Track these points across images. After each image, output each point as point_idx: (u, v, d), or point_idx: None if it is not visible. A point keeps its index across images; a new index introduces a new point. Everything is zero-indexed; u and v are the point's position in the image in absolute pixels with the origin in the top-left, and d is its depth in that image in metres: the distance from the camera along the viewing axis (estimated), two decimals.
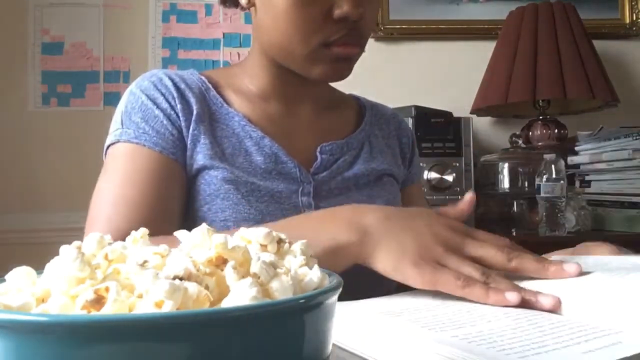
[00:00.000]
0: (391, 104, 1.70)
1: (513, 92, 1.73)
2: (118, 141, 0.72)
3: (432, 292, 0.60)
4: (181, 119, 0.74)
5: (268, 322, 0.25)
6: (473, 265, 0.52)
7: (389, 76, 1.99)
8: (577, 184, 1.71)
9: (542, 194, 1.49)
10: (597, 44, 1.84)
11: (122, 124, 0.74)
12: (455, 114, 1.72)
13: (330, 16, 0.69)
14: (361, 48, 0.75)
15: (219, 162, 0.73)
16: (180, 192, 0.73)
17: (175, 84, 0.76)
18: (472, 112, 1.88)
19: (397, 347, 0.41)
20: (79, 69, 1.92)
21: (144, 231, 0.34)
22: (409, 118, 1.65)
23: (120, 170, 0.70)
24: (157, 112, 0.73)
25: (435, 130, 1.65)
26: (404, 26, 2.00)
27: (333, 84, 0.86)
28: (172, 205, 0.71)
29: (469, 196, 0.62)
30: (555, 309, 0.46)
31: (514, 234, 1.66)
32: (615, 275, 0.50)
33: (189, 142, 0.73)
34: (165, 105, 0.74)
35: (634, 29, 2.05)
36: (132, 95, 0.75)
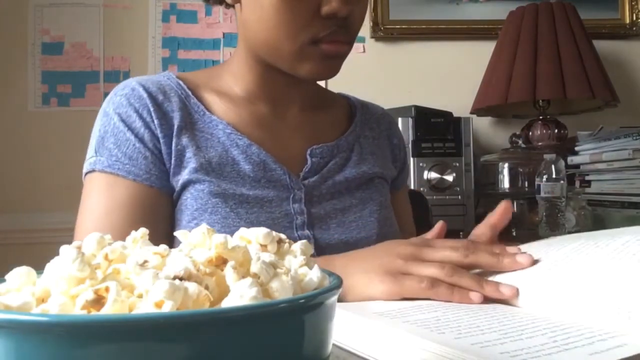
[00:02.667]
0: (391, 104, 1.71)
1: (513, 92, 1.73)
2: (93, 170, 0.72)
3: None
4: (159, 135, 0.71)
5: (268, 322, 0.25)
6: (436, 265, 0.54)
7: (389, 76, 1.99)
8: (577, 184, 1.71)
9: (542, 194, 1.49)
10: (597, 44, 1.84)
11: (95, 152, 0.72)
12: (455, 114, 1.72)
13: (319, 13, 0.67)
14: (350, 45, 0.72)
15: (205, 174, 0.71)
16: (160, 217, 0.71)
17: (151, 95, 0.72)
18: (472, 112, 1.88)
19: (397, 347, 0.41)
20: (79, 69, 1.92)
21: (143, 231, 0.34)
22: (409, 118, 1.65)
23: (97, 204, 0.70)
24: (129, 134, 0.71)
25: (435, 130, 1.65)
26: (404, 26, 2.00)
27: (325, 85, 0.85)
28: (151, 234, 0.70)
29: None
30: (512, 298, 0.51)
31: (514, 234, 1.66)
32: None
33: (173, 158, 0.71)
34: (138, 124, 0.71)
35: (634, 29, 2.05)
36: (106, 116, 0.73)
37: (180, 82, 0.76)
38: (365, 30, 1.99)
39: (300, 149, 0.78)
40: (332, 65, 0.72)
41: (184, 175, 0.71)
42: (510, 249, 0.56)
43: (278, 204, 0.73)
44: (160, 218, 0.71)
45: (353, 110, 0.88)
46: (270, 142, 0.76)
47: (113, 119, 0.72)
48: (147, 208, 0.70)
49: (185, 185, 0.71)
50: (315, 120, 0.82)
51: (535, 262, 0.53)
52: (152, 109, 0.71)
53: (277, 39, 0.69)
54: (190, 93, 0.75)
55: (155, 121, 0.71)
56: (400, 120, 1.64)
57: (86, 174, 0.74)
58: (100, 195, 0.70)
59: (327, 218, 0.76)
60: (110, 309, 0.24)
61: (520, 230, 1.65)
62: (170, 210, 0.73)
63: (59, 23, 1.92)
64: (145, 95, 0.72)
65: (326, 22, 0.68)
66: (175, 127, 0.72)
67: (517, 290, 0.51)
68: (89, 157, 0.73)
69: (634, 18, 2.05)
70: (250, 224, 0.70)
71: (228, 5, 0.77)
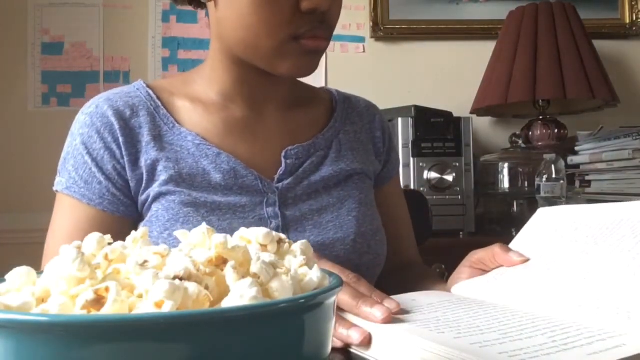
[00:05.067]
0: (391, 104, 1.71)
1: (513, 92, 1.73)
2: (57, 190, 0.75)
3: (432, 294, 0.61)
4: (124, 153, 0.71)
5: (268, 322, 0.25)
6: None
7: (389, 76, 1.99)
8: (577, 184, 1.71)
9: (542, 194, 1.49)
10: (597, 44, 1.84)
11: (59, 172, 0.75)
12: (455, 114, 1.72)
13: (299, 8, 0.66)
14: (329, 41, 0.72)
15: (176, 186, 0.71)
16: (121, 239, 0.72)
17: (117, 112, 0.73)
18: (472, 112, 1.88)
19: (397, 347, 0.42)
20: (79, 69, 1.92)
21: (144, 230, 0.34)
22: (409, 118, 1.65)
23: (60, 226, 0.74)
24: (87, 157, 0.72)
25: (435, 130, 1.65)
26: (404, 26, 2.00)
27: (325, 82, 0.83)
28: None
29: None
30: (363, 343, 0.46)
31: (514, 233, 1.66)
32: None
33: (144, 172, 0.71)
34: (98, 145, 0.72)
35: (634, 29, 2.05)
36: (71, 136, 0.75)
37: (150, 92, 0.76)
38: (365, 30, 1.99)
39: (275, 151, 0.76)
40: (312, 61, 0.71)
41: (155, 188, 0.71)
42: (387, 302, 0.50)
43: (251, 209, 0.72)
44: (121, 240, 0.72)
45: (335, 105, 0.86)
46: (244, 147, 0.75)
47: (76, 140, 0.74)
48: (107, 231, 0.71)
49: (156, 197, 0.71)
50: (293, 119, 0.80)
51: (399, 311, 0.49)
52: (116, 127, 0.72)
53: (256, 37, 0.68)
54: (160, 104, 0.75)
55: (121, 139, 0.72)
56: (400, 120, 1.64)
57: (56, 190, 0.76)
58: (64, 217, 0.74)
59: (302, 220, 0.75)
60: (110, 309, 0.24)
61: (520, 230, 1.65)
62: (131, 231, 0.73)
63: (59, 23, 1.92)
64: (110, 113, 0.73)
65: (306, 18, 0.67)
66: (144, 142, 0.73)
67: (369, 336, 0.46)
68: (56, 177, 0.76)
69: (634, 18, 2.05)
70: (223, 232, 0.69)
71: (197, 4, 0.76)
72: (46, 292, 0.27)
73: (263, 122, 0.78)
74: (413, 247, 0.90)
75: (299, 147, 0.77)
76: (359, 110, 0.87)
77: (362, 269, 0.75)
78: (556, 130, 1.79)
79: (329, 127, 0.82)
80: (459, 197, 1.64)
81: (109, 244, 0.31)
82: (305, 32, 0.68)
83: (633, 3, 2.05)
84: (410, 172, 1.62)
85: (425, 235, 1.16)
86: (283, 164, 0.75)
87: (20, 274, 0.29)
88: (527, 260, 0.58)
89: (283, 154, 0.76)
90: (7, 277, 0.29)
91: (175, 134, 0.74)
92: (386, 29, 1.98)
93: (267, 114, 0.78)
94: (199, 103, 0.77)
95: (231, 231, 0.68)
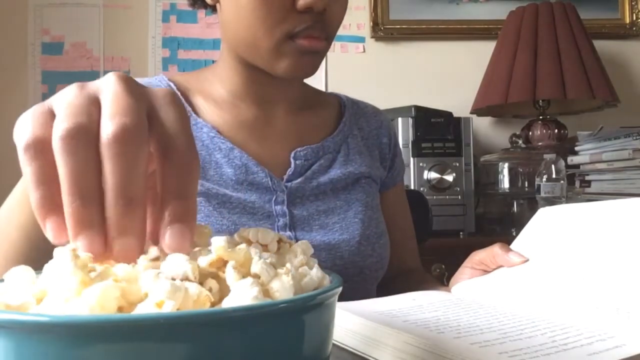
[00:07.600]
0: (391, 104, 1.71)
1: (513, 92, 1.73)
2: None
3: (432, 294, 0.61)
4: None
5: (268, 322, 0.25)
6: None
7: (389, 76, 1.99)
8: (577, 184, 1.71)
9: (542, 194, 1.49)
10: (597, 44, 1.84)
11: None
12: (455, 114, 1.72)
13: (294, 7, 0.67)
14: (327, 41, 0.72)
15: None
16: None
17: None
18: (472, 112, 1.89)
19: (397, 347, 0.42)
20: (79, 69, 1.92)
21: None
22: (409, 118, 1.65)
23: None
24: None
25: (435, 130, 1.65)
26: (404, 26, 2.00)
27: (325, 85, 0.83)
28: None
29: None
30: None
31: (514, 234, 1.66)
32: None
33: None
34: None
35: (634, 29, 2.05)
36: None
37: (171, 84, 0.78)
38: (365, 30, 1.99)
39: (284, 151, 0.77)
40: (309, 61, 0.71)
41: None
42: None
43: (260, 206, 0.73)
44: None
45: (343, 110, 0.87)
46: (254, 145, 0.76)
47: None
48: None
49: None
50: (302, 121, 0.81)
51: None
52: None
53: (255, 37, 0.69)
54: (179, 94, 0.77)
55: None
56: (400, 120, 1.64)
57: None
58: None
59: (310, 219, 0.76)
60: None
61: (520, 230, 1.65)
62: None
63: (59, 23, 1.92)
64: None
65: (302, 17, 0.68)
66: None
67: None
68: None
69: (634, 18, 2.05)
70: (234, 224, 0.70)
71: (210, 7, 0.77)
72: (45, 292, 0.27)
73: (272, 122, 0.79)
74: (414, 254, 0.91)
75: (308, 148, 0.78)
76: (367, 116, 0.88)
77: (366, 271, 0.75)
78: (556, 130, 1.79)
79: (338, 131, 0.83)
80: (459, 197, 1.64)
81: None
82: (300, 31, 0.68)
83: (633, 3, 2.05)
84: (410, 172, 1.62)
85: (425, 235, 1.16)
86: (292, 165, 0.76)
87: (19, 274, 0.29)
88: (527, 260, 0.58)
89: (292, 154, 0.77)
90: (6, 277, 0.29)
91: (192, 124, 0.74)
92: (386, 29, 1.98)
93: (276, 115, 0.80)
94: (211, 100, 0.78)
95: (241, 225, 0.68)
